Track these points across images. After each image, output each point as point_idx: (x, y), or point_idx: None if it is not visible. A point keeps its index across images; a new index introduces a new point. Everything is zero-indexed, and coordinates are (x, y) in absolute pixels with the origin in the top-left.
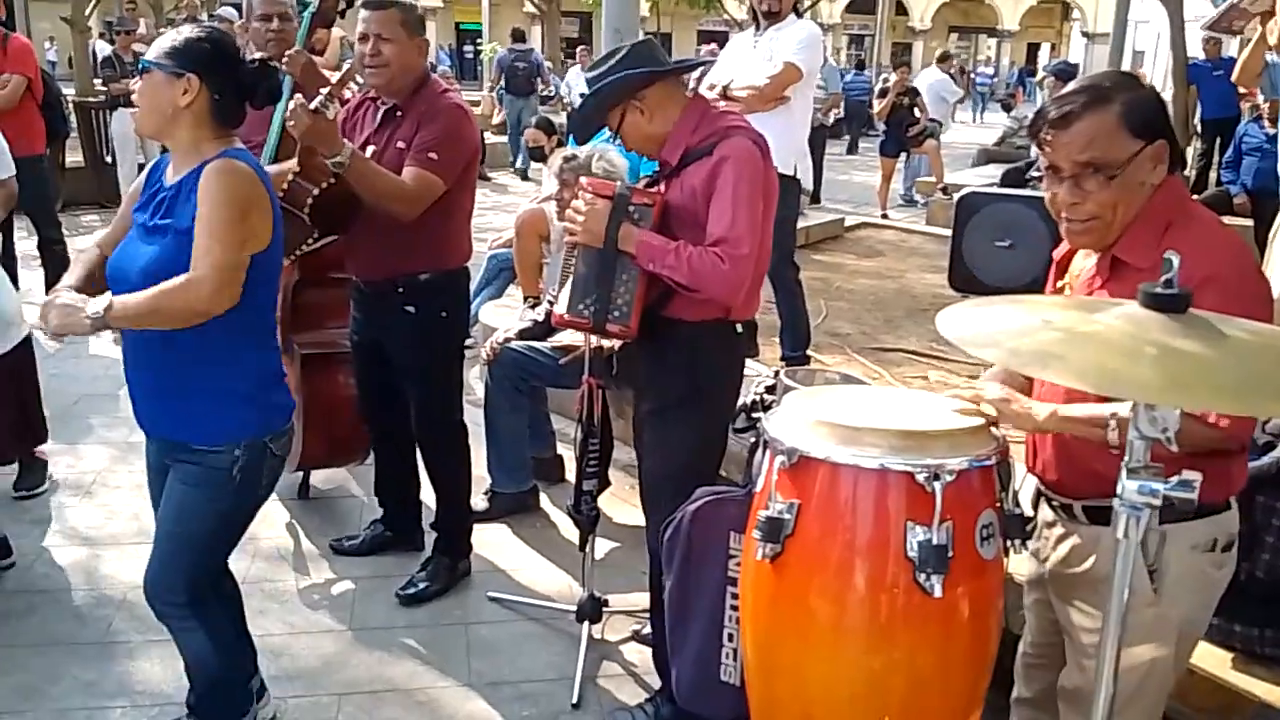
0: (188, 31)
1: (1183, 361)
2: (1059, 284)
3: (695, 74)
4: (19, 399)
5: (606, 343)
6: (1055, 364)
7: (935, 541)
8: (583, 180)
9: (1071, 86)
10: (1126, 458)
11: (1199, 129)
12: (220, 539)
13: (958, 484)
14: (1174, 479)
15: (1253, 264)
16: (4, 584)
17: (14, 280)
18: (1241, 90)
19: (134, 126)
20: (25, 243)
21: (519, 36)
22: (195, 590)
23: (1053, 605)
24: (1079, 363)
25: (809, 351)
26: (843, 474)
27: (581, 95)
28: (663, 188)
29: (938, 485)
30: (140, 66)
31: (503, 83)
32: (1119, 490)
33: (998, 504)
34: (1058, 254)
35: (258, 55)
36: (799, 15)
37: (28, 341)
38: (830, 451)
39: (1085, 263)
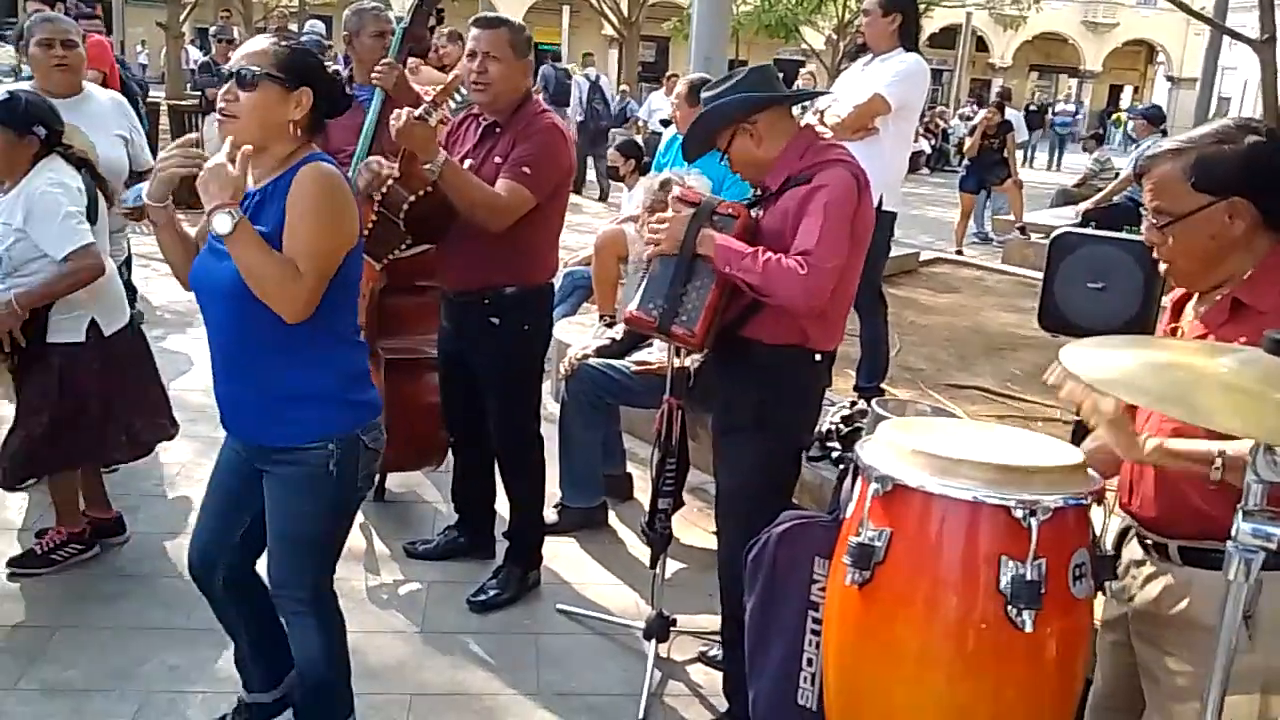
0: (289, 43)
1: None
2: (1171, 327)
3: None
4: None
5: (687, 362)
6: (1181, 403)
7: (1029, 577)
8: (675, 191)
9: (1181, 136)
10: (1243, 501)
11: None
12: (330, 536)
13: (1053, 521)
14: None
15: None
16: (97, 568)
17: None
18: None
19: (221, 133)
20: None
21: (556, 56)
22: (317, 588)
23: (1133, 648)
24: (1205, 403)
25: (882, 385)
26: (937, 504)
27: (663, 120)
28: (759, 213)
29: (1034, 521)
30: (247, 76)
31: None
32: (1233, 532)
33: (1091, 543)
34: (1170, 299)
35: (335, 67)
36: (910, 49)
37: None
38: (925, 481)
39: (1199, 308)
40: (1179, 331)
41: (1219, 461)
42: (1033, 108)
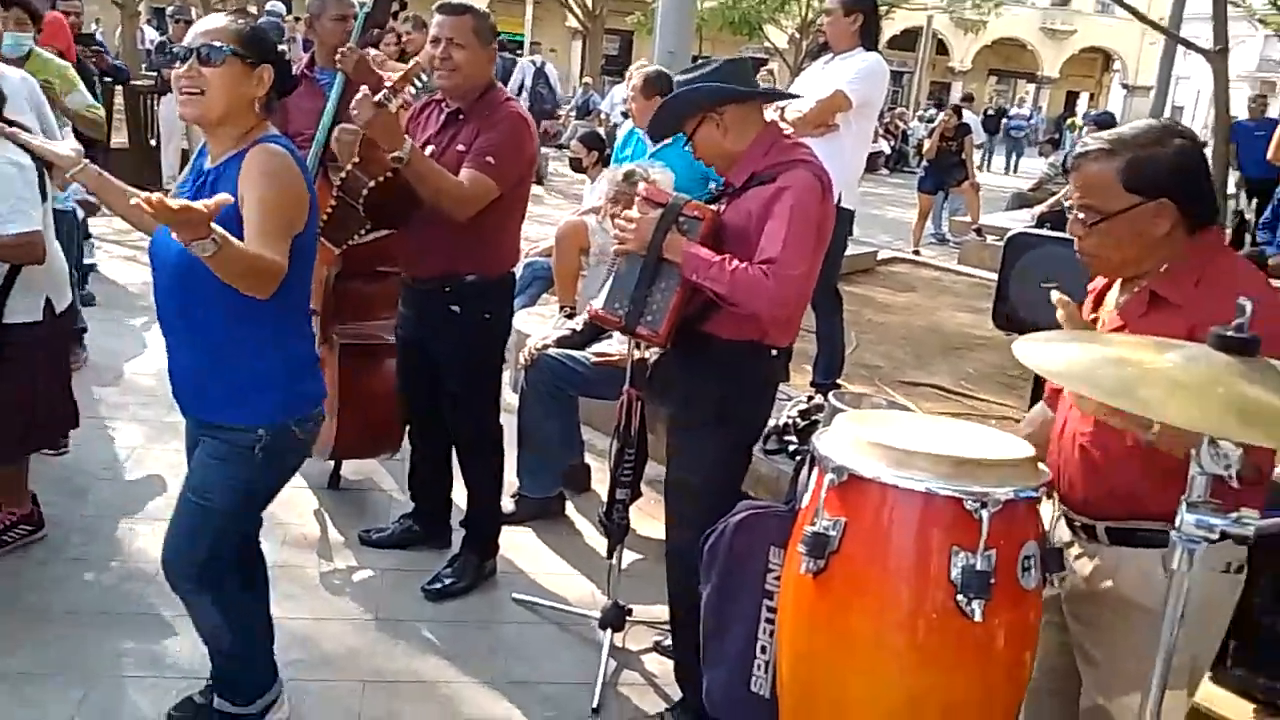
0: (246, 21)
1: (1250, 400)
2: (1092, 316)
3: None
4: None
5: (648, 354)
6: (1131, 397)
7: (979, 567)
8: (641, 187)
9: (1109, 132)
10: (1187, 492)
11: (1238, 188)
12: (238, 515)
13: (1004, 513)
14: (1232, 515)
15: (1275, 296)
16: (39, 553)
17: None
18: None
19: (179, 112)
20: None
21: (519, 46)
22: (210, 563)
23: (1067, 628)
24: (1153, 397)
25: (839, 381)
26: (891, 495)
27: (624, 113)
28: (721, 207)
29: (985, 513)
30: (208, 53)
31: None
32: (1177, 523)
33: (1040, 536)
34: (1093, 286)
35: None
36: (870, 48)
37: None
38: (881, 472)
39: (1120, 297)
40: (1099, 321)
41: (1157, 427)
42: (990, 112)
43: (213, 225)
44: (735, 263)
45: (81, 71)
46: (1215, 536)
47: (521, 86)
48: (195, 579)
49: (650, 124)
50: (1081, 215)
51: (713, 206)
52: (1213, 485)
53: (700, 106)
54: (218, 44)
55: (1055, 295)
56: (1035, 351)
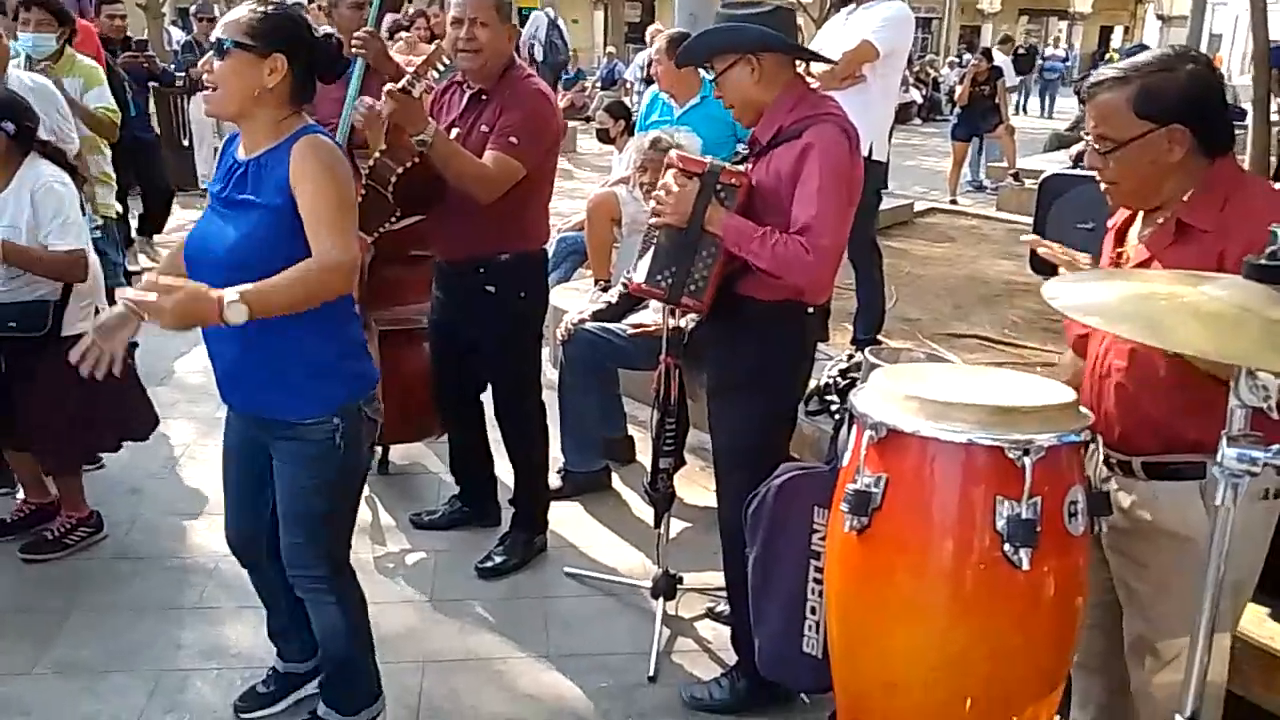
0: (264, 8)
1: None
2: (1116, 251)
3: None
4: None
5: (682, 322)
6: (1162, 332)
7: (1025, 516)
8: (672, 154)
9: (1123, 61)
10: (1227, 426)
11: None
12: (341, 509)
13: (1047, 460)
14: (1275, 447)
15: None
16: (103, 551)
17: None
18: None
19: (207, 109)
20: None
21: None
22: (333, 562)
23: (1106, 563)
24: (1185, 331)
25: (879, 337)
26: (932, 448)
27: (644, 79)
28: (750, 166)
29: (1028, 460)
30: (221, 46)
31: None
32: (1218, 457)
33: (1085, 481)
34: (1113, 222)
35: (328, 30)
36: None
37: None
38: (920, 426)
39: (1144, 230)
40: (1123, 256)
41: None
42: (1021, 52)
43: (221, 292)
44: (775, 235)
45: (113, 78)
46: (1258, 470)
47: (534, 38)
48: (328, 578)
49: (683, 50)
50: (1096, 145)
51: (742, 168)
52: (1252, 418)
53: (741, 47)
54: (224, 37)
55: (1028, 238)
56: (1065, 292)
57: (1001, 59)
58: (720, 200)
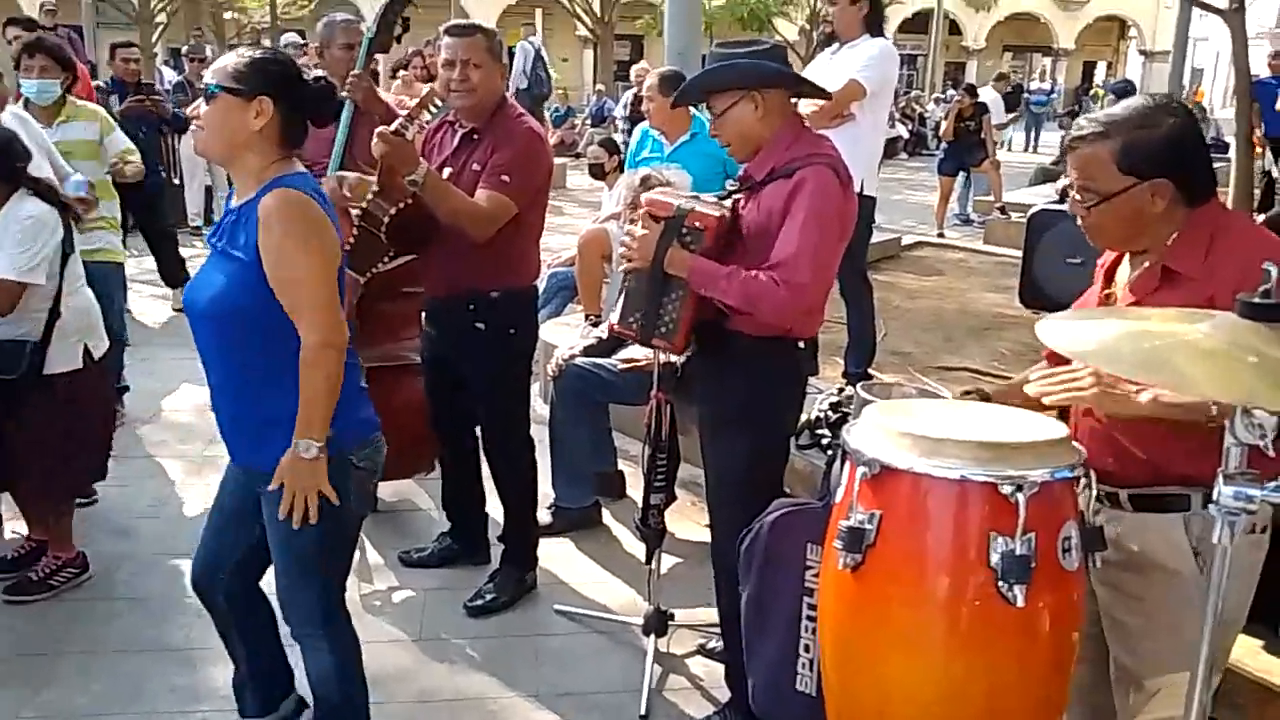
0: (252, 53)
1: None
2: (1105, 292)
3: None
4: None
5: (674, 357)
6: (1161, 371)
7: (1019, 552)
8: (643, 198)
9: (1103, 113)
10: (1223, 464)
11: (1262, 148)
12: (330, 558)
13: (1041, 495)
14: (1270, 484)
15: None
16: (89, 591)
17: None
18: None
19: (196, 148)
20: None
21: None
22: (326, 609)
23: (1094, 594)
24: (1183, 369)
25: (870, 370)
26: (925, 484)
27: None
28: (741, 200)
29: (1021, 496)
30: (208, 91)
31: None
32: (1215, 496)
33: (1078, 515)
34: (1103, 261)
35: (319, 74)
36: (876, 35)
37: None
38: (913, 463)
39: (1131, 274)
40: (1112, 297)
41: (1214, 409)
42: (1009, 89)
43: (298, 452)
44: (742, 273)
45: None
46: (1254, 508)
47: (522, 71)
48: (322, 624)
49: (685, 89)
50: (1079, 196)
51: (726, 203)
52: (1248, 455)
53: (752, 81)
54: (211, 81)
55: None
56: (1060, 331)
57: (994, 96)
58: (685, 244)
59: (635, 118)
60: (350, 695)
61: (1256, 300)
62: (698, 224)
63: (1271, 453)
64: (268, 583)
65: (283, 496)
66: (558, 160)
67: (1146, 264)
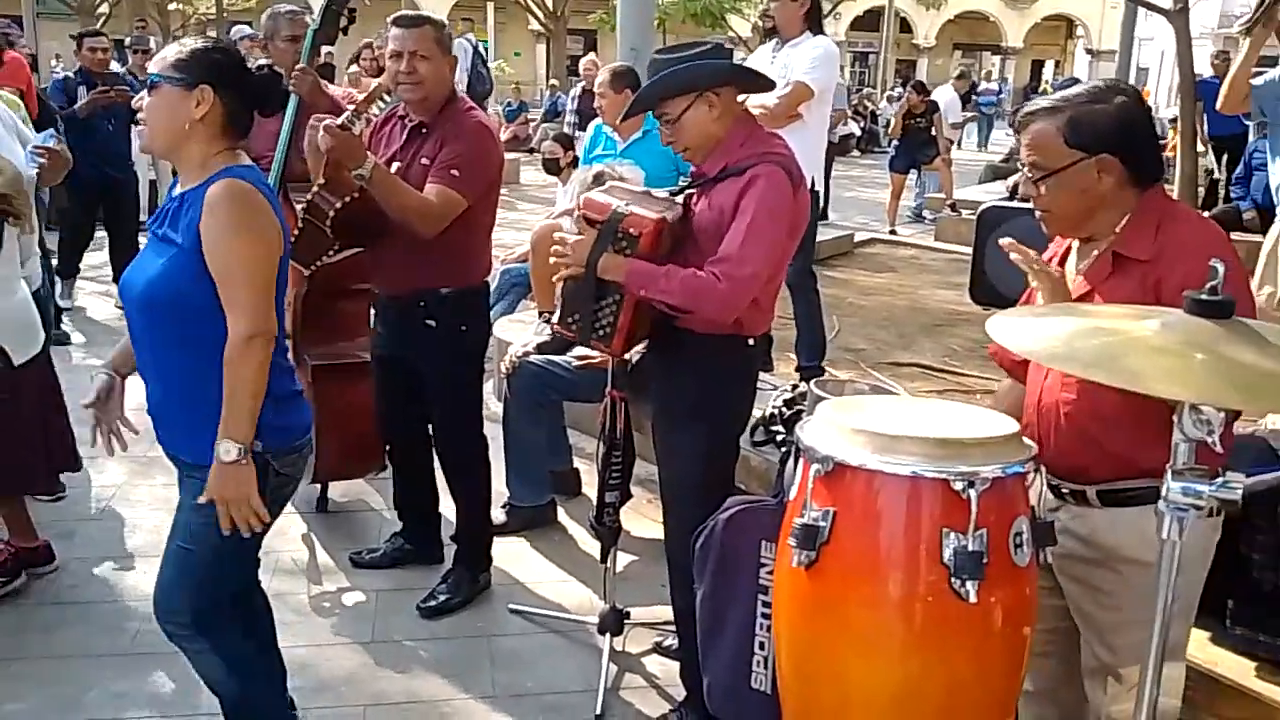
0: (194, 43)
1: (1231, 364)
2: None
3: None
4: (46, 421)
5: (629, 355)
6: (1111, 368)
7: (971, 548)
8: (581, 199)
9: (1055, 93)
10: (1171, 460)
11: (1206, 146)
12: (225, 558)
13: (993, 491)
14: (1218, 480)
15: (1233, 251)
16: (33, 597)
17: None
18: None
19: (141, 144)
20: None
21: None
22: (200, 611)
23: (1060, 591)
24: (1134, 367)
25: (824, 365)
26: (878, 481)
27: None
28: (693, 197)
29: (973, 492)
30: (150, 81)
31: None
32: (1163, 492)
33: (1030, 511)
34: (1050, 252)
35: (264, 63)
36: (817, 32)
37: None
38: (866, 459)
39: (1080, 262)
40: None
41: None
42: (968, 88)
43: (218, 453)
44: (680, 271)
45: (43, 110)
46: (1202, 504)
47: (463, 68)
48: (190, 626)
49: (638, 98)
50: (1030, 173)
51: (678, 199)
52: (1197, 450)
53: (707, 82)
54: (152, 72)
55: (1004, 241)
56: (1010, 329)
57: (951, 95)
58: (620, 250)
59: (583, 112)
60: (250, 687)
61: (1204, 297)
62: (632, 230)
63: (1219, 448)
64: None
65: (218, 511)
66: (511, 155)
67: (1096, 252)
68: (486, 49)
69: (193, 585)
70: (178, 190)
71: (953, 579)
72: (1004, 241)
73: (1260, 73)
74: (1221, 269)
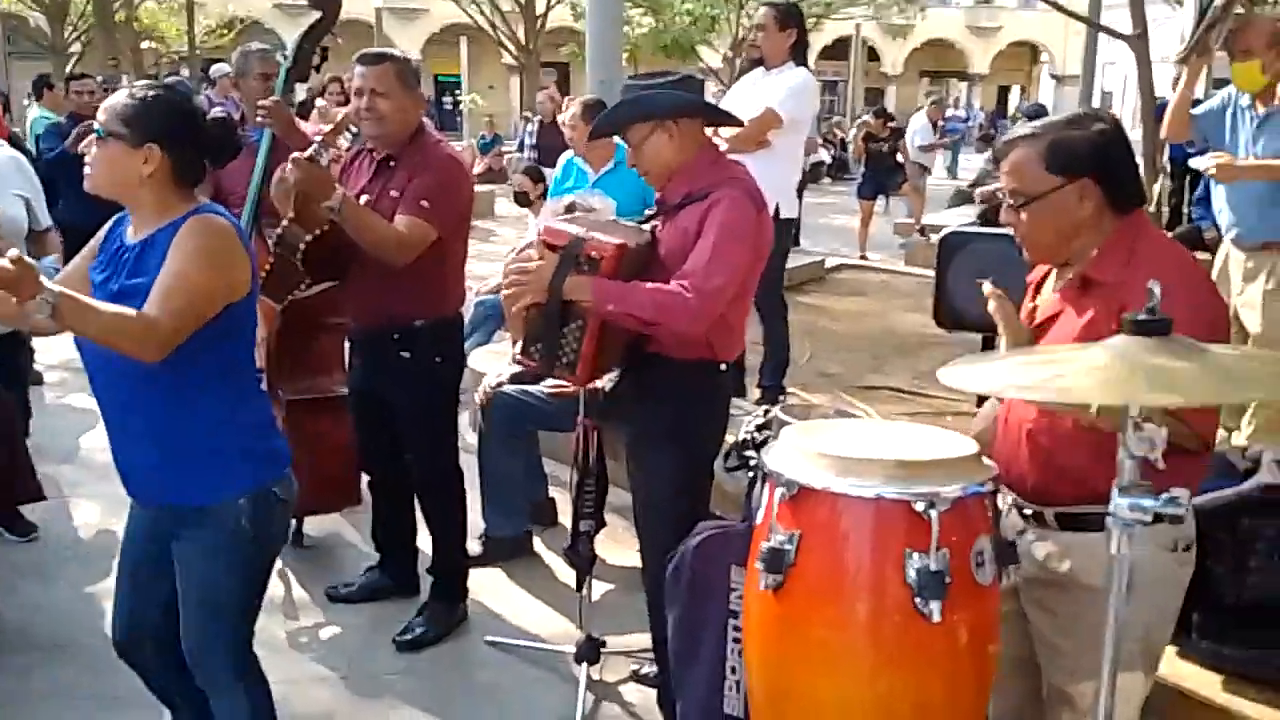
0: (143, 92)
1: (1157, 367)
2: (1031, 304)
3: None
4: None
5: (600, 382)
6: (1047, 387)
7: (933, 568)
8: (541, 226)
9: (1036, 121)
10: (1118, 477)
11: (1168, 167)
12: (250, 599)
13: (954, 511)
14: (1163, 496)
15: (1206, 275)
16: (10, 637)
17: None
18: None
19: (87, 185)
20: None
21: (457, 87)
22: (239, 657)
23: (1025, 614)
24: (1074, 385)
25: (795, 389)
26: (842, 503)
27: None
28: (659, 224)
29: (934, 513)
30: (96, 134)
31: None
32: (1110, 508)
33: (992, 531)
34: (1033, 276)
35: (218, 112)
36: (800, 64)
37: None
38: (829, 482)
39: (1057, 284)
40: (1037, 309)
41: (1094, 407)
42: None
43: (44, 283)
44: (647, 285)
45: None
46: (1149, 519)
47: None
48: (232, 668)
49: (600, 121)
50: (1010, 200)
51: (646, 228)
52: (1143, 467)
53: (659, 114)
54: (100, 124)
55: (987, 287)
56: (961, 376)
57: (923, 121)
58: (581, 271)
59: (542, 146)
60: None
61: (1141, 317)
62: (594, 253)
63: (1161, 465)
64: None
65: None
66: (486, 187)
67: (1071, 274)
68: (460, 89)
69: (229, 630)
70: (133, 236)
71: (916, 599)
72: (987, 287)
73: (1199, 101)
74: (1158, 290)
